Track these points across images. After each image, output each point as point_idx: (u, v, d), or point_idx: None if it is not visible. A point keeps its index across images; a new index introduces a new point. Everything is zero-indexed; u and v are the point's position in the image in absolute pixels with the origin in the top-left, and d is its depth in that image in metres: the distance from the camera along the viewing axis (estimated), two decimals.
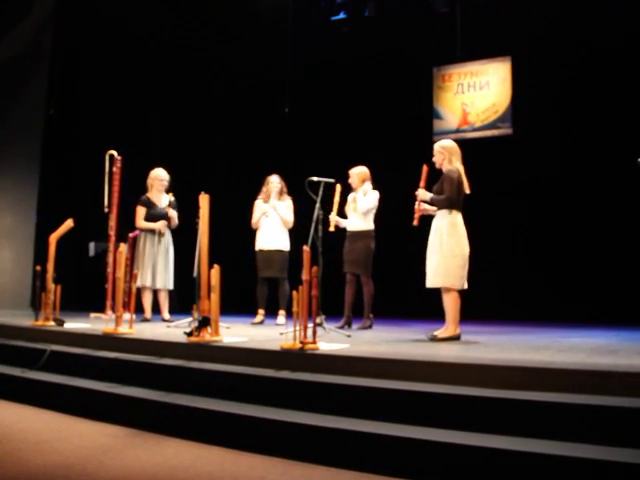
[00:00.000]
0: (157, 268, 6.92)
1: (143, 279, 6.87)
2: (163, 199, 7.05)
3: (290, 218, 6.99)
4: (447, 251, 4.91)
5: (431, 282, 5.00)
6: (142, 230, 6.95)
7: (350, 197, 6.40)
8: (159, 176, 7.06)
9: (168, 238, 7.06)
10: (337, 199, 6.23)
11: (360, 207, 6.25)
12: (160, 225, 6.94)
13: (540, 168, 8.42)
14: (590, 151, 8.12)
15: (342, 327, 6.20)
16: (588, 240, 8.02)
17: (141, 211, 6.99)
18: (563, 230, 8.25)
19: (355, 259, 6.27)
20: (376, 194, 6.36)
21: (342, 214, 6.37)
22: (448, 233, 4.93)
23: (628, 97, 7.90)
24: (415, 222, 5.17)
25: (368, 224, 6.33)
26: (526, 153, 8.53)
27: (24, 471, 3.01)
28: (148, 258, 6.90)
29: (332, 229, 6.17)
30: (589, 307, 7.71)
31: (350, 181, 6.41)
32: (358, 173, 6.42)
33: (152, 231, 6.96)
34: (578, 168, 8.20)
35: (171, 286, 7.05)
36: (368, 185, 6.36)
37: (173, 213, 6.95)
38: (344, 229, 6.43)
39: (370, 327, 6.28)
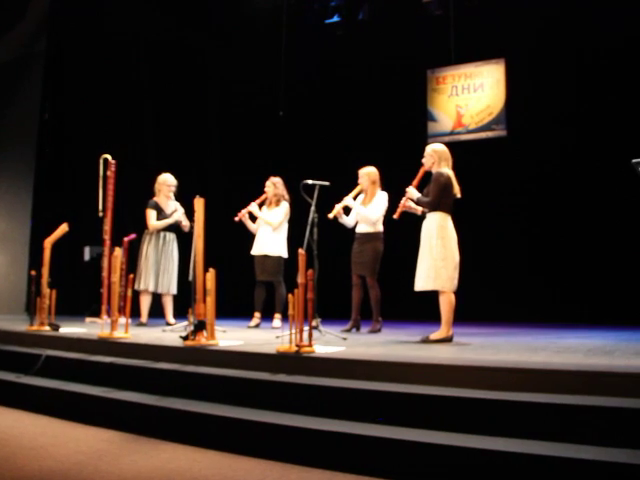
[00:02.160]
0: (162, 273, 6.89)
1: (145, 283, 6.86)
2: (170, 205, 7.02)
3: (271, 219, 6.89)
4: (436, 254, 4.93)
5: (421, 285, 5.01)
6: (152, 232, 6.92)
7: (352, 194, 6.35)
8: (167, 181, 7.02)
9: (174, 243, 7.03)
10: (354, 194, 6.29)
11: (370, 217, 6.22)
12: (179, 216, 6.87)
13: (535, 170, 8.45)
14: (585, 152, 8.15)
15: (350, 330, 6.19)
16: (584, 241, 8.04)
17: (152, 213, 6.94)
18: (559, 231, 8.26)
19: (363, 261, 6.24)
20: (383, 198, 6.31)
21: (346, 210, 6.35)
22: (437, 235, 4.96)
23: (622, 99, 7.92)
24: (395, 215, 5.32)
25: (377, 227, 6.30)
26: (520, 155, 8.55)
27: (19, 476, 2.99)
28: (152, 262, 6.87)
29: (331, 216, 6.15)
30: (586, 308, 7.73)
31: (360, 181, 6.35)
32: (368, 173, 6.34)
33: (158, 235, 6.93)
34: (573, 169, 8.22)
35: (175, 291, 7.01)
36: (379, 195, 6.32)
37: (182, 217, 6.90)
38: (349, 231, 6.41)
39: (379, 330, 6.23)
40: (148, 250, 6.91)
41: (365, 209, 6.26)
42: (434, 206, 5.02)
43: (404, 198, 5.28)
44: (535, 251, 8.36)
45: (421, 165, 5.29)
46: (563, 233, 8.22)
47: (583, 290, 7.90)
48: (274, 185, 6.98)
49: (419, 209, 5.26)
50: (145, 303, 6.95)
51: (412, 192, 5.23)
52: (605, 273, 7.85)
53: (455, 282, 4.97)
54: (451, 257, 4.95)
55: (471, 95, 9.09)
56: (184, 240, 6.96)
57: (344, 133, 9.53)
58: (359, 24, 9.53)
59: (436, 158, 5.16)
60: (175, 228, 7.01)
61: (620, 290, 7.64)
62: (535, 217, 8.45)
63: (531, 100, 8.58)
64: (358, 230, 6.37)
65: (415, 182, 5.28)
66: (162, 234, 6.95)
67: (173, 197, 6.99)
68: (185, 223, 6.84)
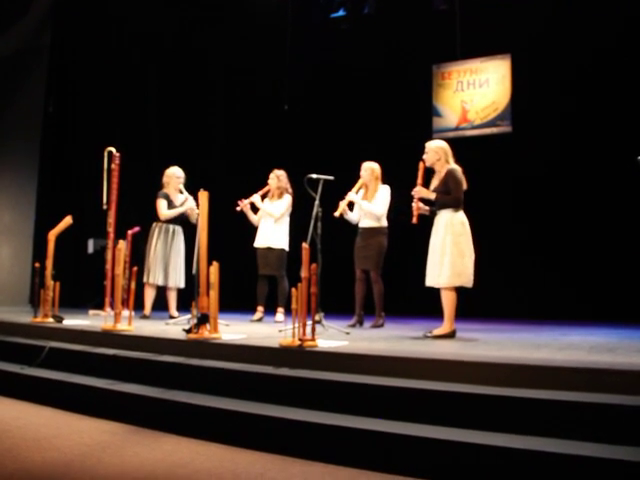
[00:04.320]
0: (169, 267, 6.91)
1: (154, 277, 6.87)
2: (180, 198, 7.03)
3: (273, 210, 6.87)
4: (460, 250, 4.90)
5: (442, 281, 4.94)
6: (161, 224, 6.94)
7: (359, 193, 6.29)
8: (176, 173, 7.02)
9: (180, 236, 7.04)
10: (357, 188, 6.23)
11: (376, 212, 6.18)
12: (191, 204, 6.87)
13: (539, 166, 8.42)
14: (590, 149, 8.12)
15: (354, 325, 6.18)
16: (588, 238, 8.02)
17: (163, 202, 6.94)
18: (562, 228, 8.25)
19: (367, 255, 6.20)
20: (387, 192, 6.27)
21: (350, 206, 6.31)
22: (460, 232, 4.93)
23: (628, 95, 7.90)
24: (414, 220, 5.19)
25: (381, 221, 6.27)
26: (526, 151, 8.53)
27: (23, 467, 3.01)
28: (160, 256, 6.89)
29: (337, 214, 6.09)
30: (589, 305, 7.71)
31: (362, 174, 6.28)
32: (372, 168, 6.30)
33: (167, 228, 6.94)
34: (578, 166, 8.20)
35: (182, 284, 7.03)
36: (382, 189, 6.29)
37: (193, 205, 6.85)
38: (353, 226, 6.39)
39: (382, 326, 6.23)
40: (157, 244, 6.92)
41: (370, 204, 6.24)
42: (459, 202, 5.00)
43: (415, 200, 5.19)
44: (539, 247, 8.35)
45: (420, 161, 5.25)
46: (567, 229, 8.21)
47: (587, 287, 7.89)
48: (278, 178, 6.97)
49: (427, 208, 5.23)
50: (149, 296, 6.97)
51: (424, 192, 5.16)
52: (609, 270, 7.83)
53: (472, 278, 4.98)
54: (471, 252, 4.97)
55: (476, 91, 9.07)
56: (188, 233, 6.95)
57: (349, 128, 9.51)
58: (364, 18, 9.50)
59: (442, 154, 5.13)
60: (181, 221, 7.02)
61: (624, 287, 7.62)
62: (539, 214, 8.44)
63: (536, 96, 8.56)
64: (362, 225, 6.33)
65: (419, 181, 5.20)
66: (171, 227, 6.97)
67: (183, 190, 7.00)
68: (195, 213, 6.84)
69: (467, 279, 4.94)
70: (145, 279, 6.84)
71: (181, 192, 7.00)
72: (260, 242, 6.95)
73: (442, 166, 5.14)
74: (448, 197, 5.03)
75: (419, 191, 5.17)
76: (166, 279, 6.94)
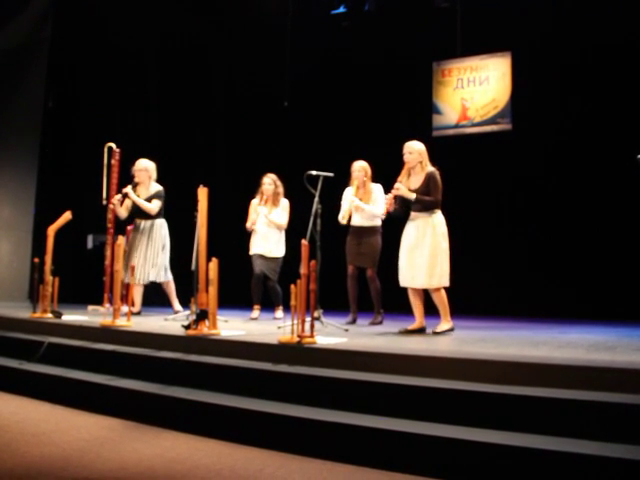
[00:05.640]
0: (139, 262, 6.72)
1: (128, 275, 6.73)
2: (146, 191, 6.87)
3: (282, 221, 6.78)
4: (445, 251, 5.04)
5: (435, 282, 5.02)
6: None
7: (352, 192, 6.19)
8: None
9: (152, 229, 6.80)
10: (355, 191, 6.18)
11: (377, 213, 6.10)
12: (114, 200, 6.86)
13: (539, 164, 8.42)
14: (590, 147, 8.11)
15: (352, 323, 6.15)
16: (587, 236, 8.02)
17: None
18: (562, 226, 8.24)
19: (364, 253, 6.17)
20: (381, 191, 6.20)
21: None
22: (444, 233, 5.07)
23: (628, 93, 7.89)
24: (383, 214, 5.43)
25: (377, 220, 6.23)
26: (525, 149, 8.52)
27: (21, 463, 3.01)
28: (132, 252, 6.78)
29: (344, 221, 6.08)
30: (588, 303, 7.71)
31: (357, 175, 6.19)
32: (365, 168, 6.25)
33: (136, 225, 6.86)
34: (577, 164, 8.19)
35: (164, 278, 6.81)
36: (376, 188, 6.25)
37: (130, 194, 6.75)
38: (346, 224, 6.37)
39: (381, 323, 6.22)
40: (132, 241, 6.84)
41: (371, 206, 6.16)
42: (439, 204, 5.11)
43: (392, 194, 5.19)
44: (538, 245, 8.34)
45: (404, 162, 5.28)
46: (566, 227, 8.20)
47: (586, 285, 7.88)
48: (274, 183, 6.82)
49: (396, 205, 5.23)
50: (136, 293, 6.78)
51: (404, 190, 5.16)
52: (608, 268, 7.83)
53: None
54: (447, 253, 5.09)
55: (477, 88, 9.06)
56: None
57: (349, 124, 9.49)
58: (365, 15, 9.48)
59: (424, 157, 5.25)
60: (146, 215, 6.80)
61: (623, 286, 7.62)
62: (539, 211, 8.43)
63: (536, 94, 8.55)
64: (356, 223, 6.24)
65: (401, 178, 5.26)
66: (137, 223, 6.85)
67: (147, 182, 6.87)
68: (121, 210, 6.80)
69: (446, 280, 5.09)
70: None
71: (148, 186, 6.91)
72: (260, 251, 6.79)
73: (422, 168, 5.21)
74: (428, 199, 5.09)
75: (400, 188, 5.17)
76: (145, 276, 6.75)
